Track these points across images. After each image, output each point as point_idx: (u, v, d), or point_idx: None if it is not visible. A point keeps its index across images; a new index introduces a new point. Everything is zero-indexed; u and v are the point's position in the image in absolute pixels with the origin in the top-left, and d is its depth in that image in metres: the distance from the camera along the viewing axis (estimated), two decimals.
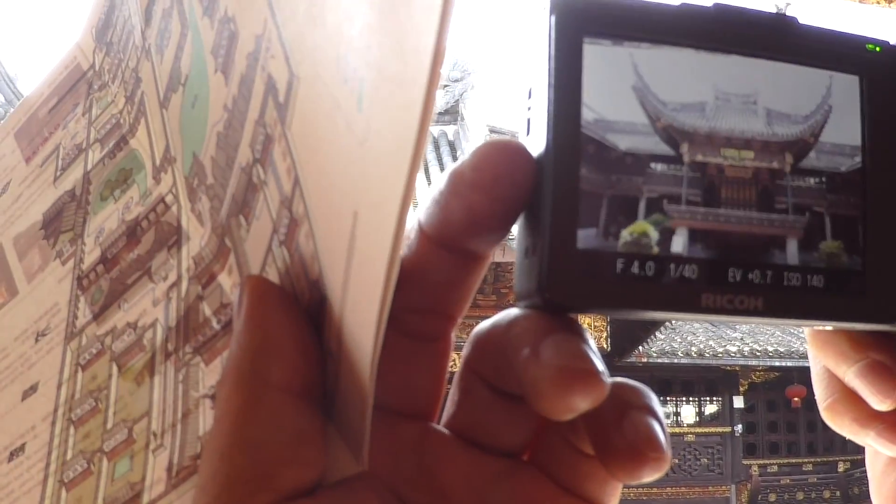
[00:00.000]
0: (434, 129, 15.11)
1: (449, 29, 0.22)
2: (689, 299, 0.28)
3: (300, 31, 0.30)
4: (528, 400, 0.26)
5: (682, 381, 16.23)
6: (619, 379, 0.28)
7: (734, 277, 0.28)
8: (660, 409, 0.28)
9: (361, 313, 0.26)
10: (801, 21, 0.30)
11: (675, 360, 15.32)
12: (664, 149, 0.28)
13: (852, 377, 0.34)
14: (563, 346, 0.26)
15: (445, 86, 15.80)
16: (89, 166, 0.45)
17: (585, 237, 0.27)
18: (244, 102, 0.33)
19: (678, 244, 0.28)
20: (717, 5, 0.29)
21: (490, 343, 0.29)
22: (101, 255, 0.42)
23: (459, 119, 15.42)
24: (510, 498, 0.29)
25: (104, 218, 0.43)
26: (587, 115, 0.27)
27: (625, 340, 14.41)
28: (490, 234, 0.28)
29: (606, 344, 12.73)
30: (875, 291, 0.29)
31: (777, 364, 15.58)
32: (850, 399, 0.35)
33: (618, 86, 0.28)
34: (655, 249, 0.28)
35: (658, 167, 0.28)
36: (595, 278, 0.27)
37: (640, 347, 14.86)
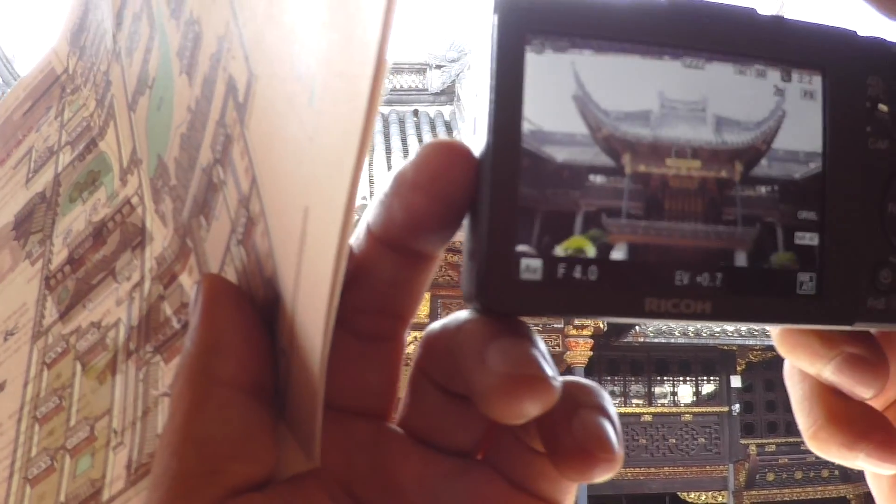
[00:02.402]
0: (430, 110, 15.03)
1: (394, 22, 0.22)
2: (631, 304, 0.27)
3: (259, 30, 0.30)
4: (478, 406, 0.26)
5: (679, 360, 16.21)
6: (570, 378, 0.28)
7: (681, 281, 0.28)
8: (612, 409, 0.28)
9: (311, 310, 0.26)
10: (760, 12, 0.29)
11: (672, 340, 15.29)
12: (604, 160, 0.27)
13: (830, 374, 0.33)
14: (509, 351, 0.26)
15: (441, 66, 15.71)
16: (60, 168, 0.46)
17: (523, 246, 0.27)
18: (206, 103, 0.33)
19: (617, 258, 0.27)
20: (671, 1, 0.28)
21: (439, 345, 0.29)
22: (69, 256, 0.42)
23: (456, 99, 15.33)
24: (463, 496, 0.30)
25: (72, 219, 0.43)
26: (526, 126, 0.26)
27: None
28: (432, 233, 0.28)
29: (602, 323, 12.72)
30: (830, 294, 0.29)
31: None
32: (834, 424, 0.34)
33: (558, 95, 0.27)
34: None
35: (597, 179, 0.27)
36: (534, 283, 0.27)
37: (637, 327, 14.85)
